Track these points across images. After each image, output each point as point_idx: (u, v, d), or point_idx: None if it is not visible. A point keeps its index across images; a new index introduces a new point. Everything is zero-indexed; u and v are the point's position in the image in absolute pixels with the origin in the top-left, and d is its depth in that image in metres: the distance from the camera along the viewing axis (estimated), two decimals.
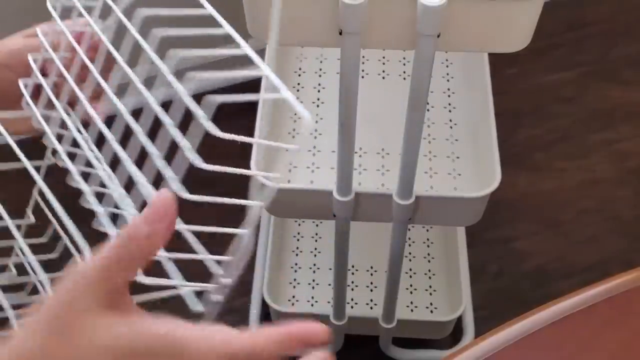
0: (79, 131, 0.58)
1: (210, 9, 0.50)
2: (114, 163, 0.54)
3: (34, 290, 0.73)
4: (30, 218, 0.75)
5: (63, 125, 0.61)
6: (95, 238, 0.48)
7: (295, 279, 1.32)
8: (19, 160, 0.66)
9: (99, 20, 0.57)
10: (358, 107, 0.80)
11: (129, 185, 0.51)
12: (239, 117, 1.63)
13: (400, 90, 1.17)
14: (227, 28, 0.48)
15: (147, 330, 0.41)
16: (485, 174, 1.00)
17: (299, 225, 1.38)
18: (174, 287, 0.47)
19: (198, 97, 0.49)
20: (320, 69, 1.21)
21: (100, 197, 0.54)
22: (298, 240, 1.36)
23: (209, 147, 0.51)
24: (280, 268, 1.33)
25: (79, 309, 0.40)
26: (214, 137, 0.45)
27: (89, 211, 0.53)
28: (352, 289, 1.31)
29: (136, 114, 0.52)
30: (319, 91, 1.19)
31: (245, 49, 0.47)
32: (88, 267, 0.41)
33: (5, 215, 0.71)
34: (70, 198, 0.57)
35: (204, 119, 0.44)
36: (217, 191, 0.49)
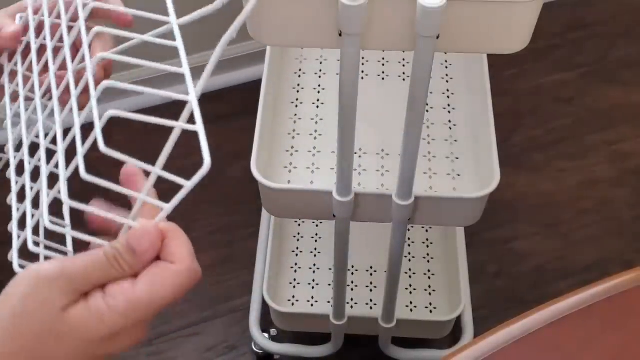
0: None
1: (173, 22, 0.50)
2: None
3: None
4: None
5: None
6: None
7: (295, 279, 1.32)
8: None
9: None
10: (358, 108, 0.80)
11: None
12: (239, 117, 1.63)
13: (400, 91, 1.17)
14: (179, 44, 0.48)
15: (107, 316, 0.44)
16: (485, 175, 1.00)
17: (299, 225, 1.39)
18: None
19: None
20: (320, 70, 1.22)
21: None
22: (298, 240, 1.37)
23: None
24: (280, 268, 1.33)
25: (49, 304, 0.43)
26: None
27: None
28: (352, 289, 1.31)
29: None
30: (318, 92, 1.19)
31: (185, 70, 0.47)
32: (57, 279, 0.44)
33: None
34: None
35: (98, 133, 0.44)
36: None
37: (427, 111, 1.17)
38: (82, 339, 0.43)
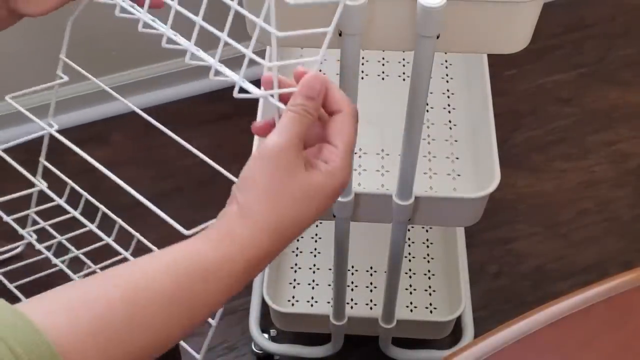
0: None
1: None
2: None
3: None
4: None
5: None
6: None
7: (295, 279, 1.32)
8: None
9: None
10: (358, 108, 0.80)
11: None
12: (239, 117, 1.63)
13: (400, 91, 1.17)
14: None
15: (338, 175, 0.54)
16: (485, 175, 1.00)
17: None
18: None
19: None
20: (320, 70, 1.21)
21: None
22: (298, 240, 1.37)
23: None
24: (280, 268, 1.33)
25: (293, 172, 0.52)
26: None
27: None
28: (352, 289, 1.31)
29: None
30: None
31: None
32: (285, 143, 0.52)
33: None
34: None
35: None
36: None
37: (427, 111, 1.17)
38: (322, 196, 0.53)
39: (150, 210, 0.74)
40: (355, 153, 1.05)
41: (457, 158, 1.12)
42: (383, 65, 1.24)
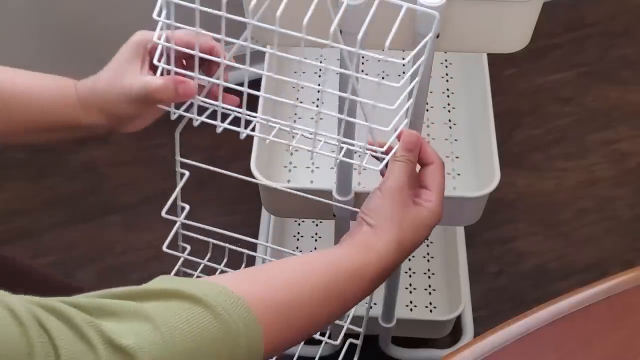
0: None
1: None
2: None
3: None
4: None
5: None
6: None
7: None
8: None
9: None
10: (357, 107, 0.80)
11: None
12: (238, 117, 1.62)
13: None
14: None
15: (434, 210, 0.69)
16: (485, 174, 1.01)
17: (299, 225, 1.39)
18: None
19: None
20: (320, 69, 1.22)
21: None
22: (298, 240, 1.37)
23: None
24: None
25: (407, 205, 0.68)
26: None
27: None
28: None
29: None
30: (318, 91, 1.20)
31: None
32: (400, 185, 0.67)
33: None
34: None
35: None
36: None
37: (427, 110, 1.17)
38: (426, 226, 0.68)
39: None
40: (355, 152, 1.04)
41: (457, 157, 1.12)
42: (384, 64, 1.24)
